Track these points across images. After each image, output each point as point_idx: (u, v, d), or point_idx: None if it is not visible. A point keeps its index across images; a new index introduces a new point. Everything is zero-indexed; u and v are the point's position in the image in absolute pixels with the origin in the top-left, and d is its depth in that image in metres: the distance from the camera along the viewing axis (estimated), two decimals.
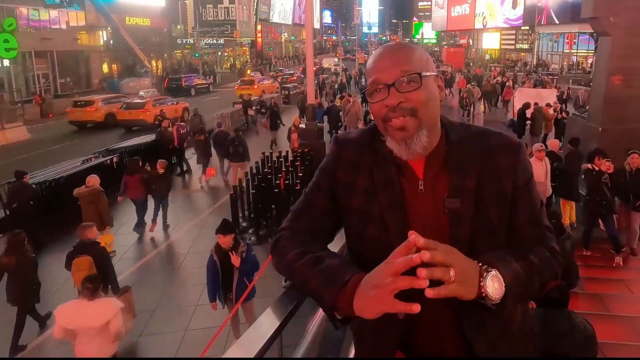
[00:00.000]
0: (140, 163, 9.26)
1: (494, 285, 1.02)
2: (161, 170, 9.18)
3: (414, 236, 0.94)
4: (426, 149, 1.15)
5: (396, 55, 1.15)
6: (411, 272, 0.94)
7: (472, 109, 20.23)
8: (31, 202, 8.31)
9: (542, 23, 40.71)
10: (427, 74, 1.13)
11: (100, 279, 4.59)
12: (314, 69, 46.88)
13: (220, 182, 12.21)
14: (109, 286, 5.63)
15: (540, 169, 7.41)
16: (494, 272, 1.03)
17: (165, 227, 9.35)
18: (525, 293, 1.10)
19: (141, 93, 25.02)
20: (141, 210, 9.15)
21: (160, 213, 9.34)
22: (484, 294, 1.01)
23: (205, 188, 12.01)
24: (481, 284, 1.01)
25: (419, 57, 1.15)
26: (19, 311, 5.73)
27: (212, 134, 12.52)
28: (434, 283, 1.09)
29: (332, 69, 35.51)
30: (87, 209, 7.58)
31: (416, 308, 0.93)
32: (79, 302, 4.30)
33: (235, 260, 5.02)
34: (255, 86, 28.71)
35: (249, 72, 40.87)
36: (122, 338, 4.81)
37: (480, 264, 1.04)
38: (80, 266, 5.34)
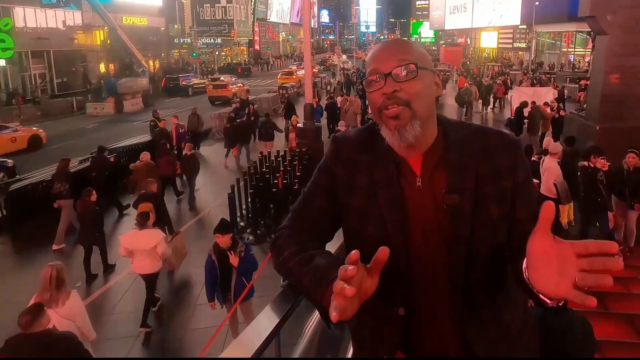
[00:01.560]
0: (168, 145, 11.18)
1: None
2: (189, 152, 10.65)
3: (354, 252, 0.92)
4: (420, 142, 1.15)
5: (394, 47, 1.18)
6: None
7: (471, 108, 20.22)
8: (106, 173, 10.16)
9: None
10: (423, 65, 1.15)
11: (148, 216, 5.98)
12: (326, 64, 48.37)
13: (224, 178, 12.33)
14: (165, 227, 7.44)
15: (557, 167, 7.44)
16: None
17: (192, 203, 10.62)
18: None
19: (222, 78, 31.17)
20: (171, 186, 10.57)
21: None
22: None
23: (230, 168, 13.37)
24: None
25: (417, 50, 1.18)
26: (93, 249, 7.37)
27: (235, 123, 14.33)
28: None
29: (342, 65, 38.64)
30: (141, 180, 9.01)
31: (334, 318, 0.89)
32: (134, 231, 5.90)
33: (234, 259, 5.00)
34: (294, 76, 33.31)
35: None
36: (175, 264, 6.92)
37: None
38: (143, 209, 6.59)
